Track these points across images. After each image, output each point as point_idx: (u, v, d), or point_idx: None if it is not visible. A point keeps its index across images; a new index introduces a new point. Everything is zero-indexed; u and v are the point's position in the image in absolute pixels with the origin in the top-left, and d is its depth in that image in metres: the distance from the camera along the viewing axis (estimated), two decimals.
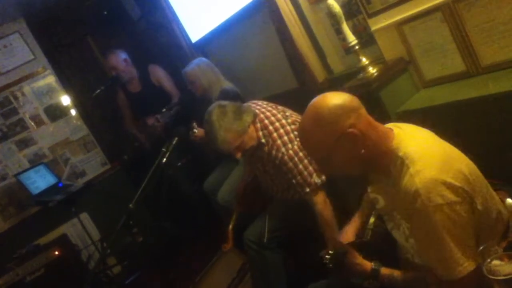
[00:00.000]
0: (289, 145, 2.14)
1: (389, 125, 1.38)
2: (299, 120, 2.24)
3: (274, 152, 2.17)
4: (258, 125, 2.21)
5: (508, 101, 1.68)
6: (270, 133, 2.19)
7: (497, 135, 1.75)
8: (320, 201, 2.12)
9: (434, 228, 1.14)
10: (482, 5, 1.83)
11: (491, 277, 0.99)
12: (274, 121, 2.21)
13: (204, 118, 2.16)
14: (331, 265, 1.38)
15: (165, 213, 4.48)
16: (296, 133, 2.16)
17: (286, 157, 2.13)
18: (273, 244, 2.32)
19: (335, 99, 1.29)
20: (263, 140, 2.19)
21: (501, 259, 1.00)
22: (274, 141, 2.17)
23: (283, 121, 2.21)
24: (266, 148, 2.20)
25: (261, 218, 2.42)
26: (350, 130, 1.25)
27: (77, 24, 4.80)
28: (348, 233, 1.68)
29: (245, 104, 2.29)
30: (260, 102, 2.36)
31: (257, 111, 2.25)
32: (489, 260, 1.01)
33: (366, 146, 1.26)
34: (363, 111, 1.30)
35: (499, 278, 0.97)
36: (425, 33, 2.08)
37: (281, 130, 2.18)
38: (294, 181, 2.14)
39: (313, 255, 1.55)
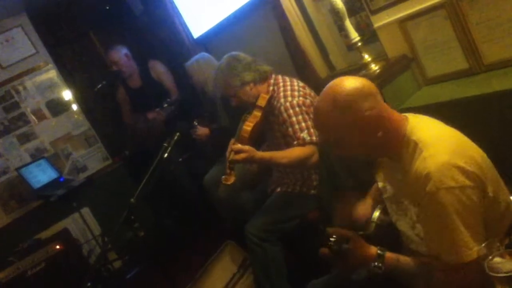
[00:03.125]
0: (289, 98, 2.29)
1: (403, 114, 1.39)
2: (312, 95, 2.36)
3: (275, 102, 2.34)
4: (272, 81, 2.41)
5: (510, 98, 1.68)
6: (278, 88, 2.38)
7: (500, 133, 1.75)
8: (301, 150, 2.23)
9: (445, 210, 1.14)
10: (486, 3, 1.83)
11: (492, 274, 0.99)
12: (288, 84, 2.38)
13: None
14: (335, 248, 1.34)
15: (165, 208, 4.49)
16: (301, 92, 2.32)
17: (282, 108, 2.27)
18: (273, 237, 2.34)
19: (353, 82, 1.29)
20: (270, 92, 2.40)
21: (502, 256, 1.00)
22: (278, 93, 2.35)
23: (295, 86, 2.37)
24: (271, 101, 2.37)
25: (261, 211, 2.43)
26: (368, 113, 1.25)
27: (79, 19, 4.78)
28: (361, 210, 1.64)
29: (262, 68, 2.42)
30: (294, 79, 2.48)
31: (280, 80, 2.42)
32: (490, 257, 1.01)
33: (381, 129, 1.26)
34: (379, 96, 1.31)
35: (500, 275, 0.98)
36: (428, 30, 2.07)
37: (288, 87, 2.36)
38: (286, 132, 2.28)
39: (314, 251, 1.54)
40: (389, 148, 1.31)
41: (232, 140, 2.38)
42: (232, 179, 2.17)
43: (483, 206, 1.18)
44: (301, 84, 2.41)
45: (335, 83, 1.31)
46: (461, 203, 1.14)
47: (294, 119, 2.24)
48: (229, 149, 2.33)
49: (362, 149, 1.33)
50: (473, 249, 1.14)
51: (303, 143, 2.21)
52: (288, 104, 2.26)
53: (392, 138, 1.29)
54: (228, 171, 2.18)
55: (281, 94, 2.33)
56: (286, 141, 2.32)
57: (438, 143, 1.21)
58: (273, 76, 2.43)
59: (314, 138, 2.21)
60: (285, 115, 2.26)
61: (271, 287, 2.34)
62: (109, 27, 4.86)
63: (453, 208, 1.13)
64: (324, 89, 1.32)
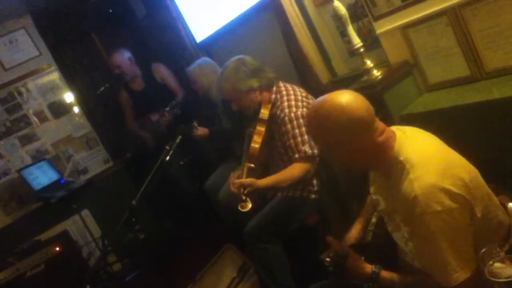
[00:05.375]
0: (293, 109, 2.28)
1: (392, 128, 1.39)
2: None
3: (278, 111, 2.33)
4: (274, 89, 2.40)
5: (511, 106, 1.68)
6: (281, 97, 2.37)
7: (500, 140, 1.75)
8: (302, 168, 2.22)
9: (432, 234, 1.15)
10: (488, 10, 1.84)
11: (492, 279, 0.99)
12: (291, 94, 2.37)
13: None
14: (331, 268, 1.38)
15: (166, 211, 4.49)
16: (305, 102, 2.31)
17: (286, 118, 2.26)
18: (273, 238, 2.35)
19: (350, 93, 1.30)
20: (272, 100, 2.38)
21: (503, 262, 1.01)
22: (281, 103, 2.34)
23: (299, 96, 2.36)
24: (273, 109, 2.36)
25: (261, 214, 2.44)
26: (365, 118, 1.25)
27: (83, 22, 4.79)
28: (350, 238, 1.68)
29: (269, 76, 2.41)
30: (296, 87, 2.47)
31: (283, 89, 2.40)
32: (491, 262, 1.01)
33: (376, 138, 1.27)
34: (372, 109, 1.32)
35: (501, 280, 0.98)
36: (430, 37, 2.08)
37: (292, 97, 2.34)
38: (287, 143, 2.27)
39: (313, 256, 1.55)
40: (377, 162, 1.31)
41: (234, 174, 2.39)
42: (249, 206, 2.18)
43: (471, 226, 1.18)
44: (303, 93, 2.40)
45: (332, 93, 1.31)
46: (448, 226, 1.14)
47: (297, 131, 2.23)
48: (230, 180, 2.35)
49: (354, 157, 1.32)
50: (460, 272, 1.15)
51: (304, 157, 2.21)
52: (292, 115, 2.26)
53: (381, 151, 1.29)
54: (243, 197, 2.19)
55: (285, 104, 2.31)
56: (287, 151, 2.31)
57: (424, 164, 1.21)
58: (276, 83, 2.42)
59: (315, 151, 2.21)
60: (288, 126, 2.25)
61: (277, 286, 2.34)
62: (112, 30, 4.87)
63: (441, 232, 1.14)
64: (323, 96, 1.33)
